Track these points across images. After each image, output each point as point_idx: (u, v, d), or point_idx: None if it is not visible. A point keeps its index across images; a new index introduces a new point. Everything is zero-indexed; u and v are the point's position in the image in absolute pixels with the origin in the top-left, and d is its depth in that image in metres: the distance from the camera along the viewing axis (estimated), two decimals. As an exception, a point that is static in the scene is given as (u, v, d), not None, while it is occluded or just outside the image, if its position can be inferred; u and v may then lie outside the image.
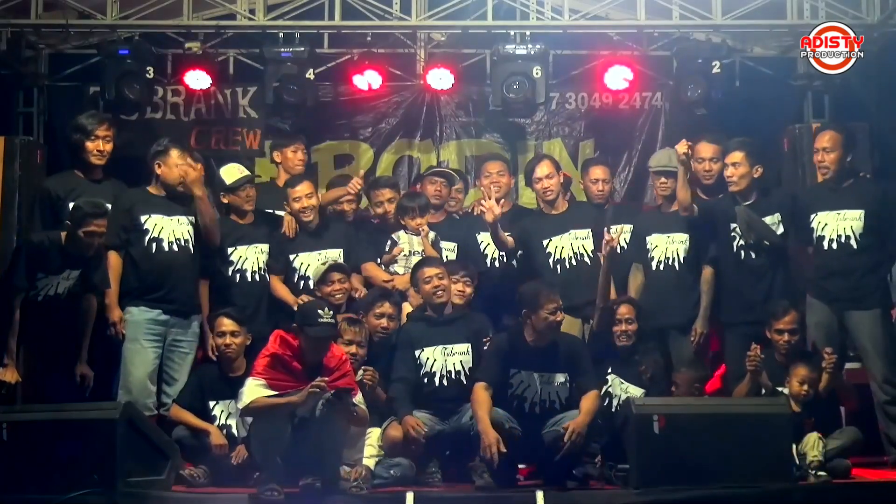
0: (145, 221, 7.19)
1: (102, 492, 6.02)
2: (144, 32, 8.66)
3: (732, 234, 7.54)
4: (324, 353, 6.38)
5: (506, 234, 7.61)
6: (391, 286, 7.62)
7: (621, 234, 7.61)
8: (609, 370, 7.17)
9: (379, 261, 7.84)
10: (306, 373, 6.30)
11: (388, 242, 7.87)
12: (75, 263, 6.97)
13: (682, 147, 7.52)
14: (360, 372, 6.86)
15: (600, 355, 7.13)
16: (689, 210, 7.56)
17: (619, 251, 7.76)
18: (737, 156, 7.51)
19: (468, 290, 7.42)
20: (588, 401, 6.63)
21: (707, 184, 7.78)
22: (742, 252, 7.52)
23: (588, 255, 7.64)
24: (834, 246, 7.35)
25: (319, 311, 6.38)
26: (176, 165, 7.17)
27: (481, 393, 6.59)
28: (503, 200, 7.81)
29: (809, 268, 7.54)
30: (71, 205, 7.26)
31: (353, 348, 6.85)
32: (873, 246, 7.34)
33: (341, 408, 6.32)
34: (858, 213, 7.31)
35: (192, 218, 7.32)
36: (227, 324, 7.06)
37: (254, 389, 6.23)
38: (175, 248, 7.24)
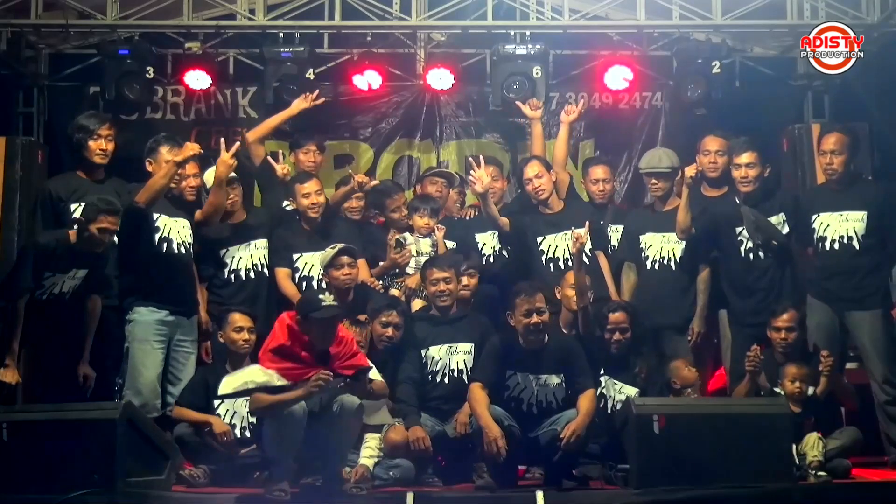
0: (157, 219, 7.16)
1: (102, 492, 6.00)
2: (144, 32, 8.68)
3: (739, 237, 7.53)
4: (331, 339, 6.29)
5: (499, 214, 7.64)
6: (403, 287, 7.63)
7: (587, 232, 7.44)
8: (602, 372, 7.14)
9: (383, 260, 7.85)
10: (314, 360, 6.24)
11: (394, 244, 7.87)
12: (83, 262, 6.95)
13: (690, 171, 7.52)
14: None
15: (591, 357, 7.03)
16: (687, 233, 7.55)
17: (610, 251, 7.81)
18: (751, 156, 7.48)
19: (473, 281, 7.43)
20: (585, 400, 6.61)
21: (712, 177, 7.76)
22: (751, 254, 7.52)
23: (586, 254, 7.60)
24: (836, 247, 7.35)
25: (321, 297, 6.39)
26: (165, 162, 7.08)
27: (478, 392, 6.59)
28: (492, 168, 7.83)
29: (810, 269, 7.55)
30: (74, 206, 7.27)
31: None
32: (875, 247, 7.35)
33: (359, 388, 6.29)
34: (861, 215, 7.31)
35: (189, 220, 7.32)
36: (242, 319, 7.06)
37: (254, 372, 6.18)
38: (182, 249, 7.23)
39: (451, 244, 7.92)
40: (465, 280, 7.39)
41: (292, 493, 6.18)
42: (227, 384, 6.34)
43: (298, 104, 8.17)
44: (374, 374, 6.49)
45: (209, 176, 7.72)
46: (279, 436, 6.17)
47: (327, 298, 6.39)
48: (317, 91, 8.26)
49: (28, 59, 9.04)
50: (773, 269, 7.49)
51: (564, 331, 7.24)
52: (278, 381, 6.16)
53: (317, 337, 6.28)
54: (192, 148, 7.05)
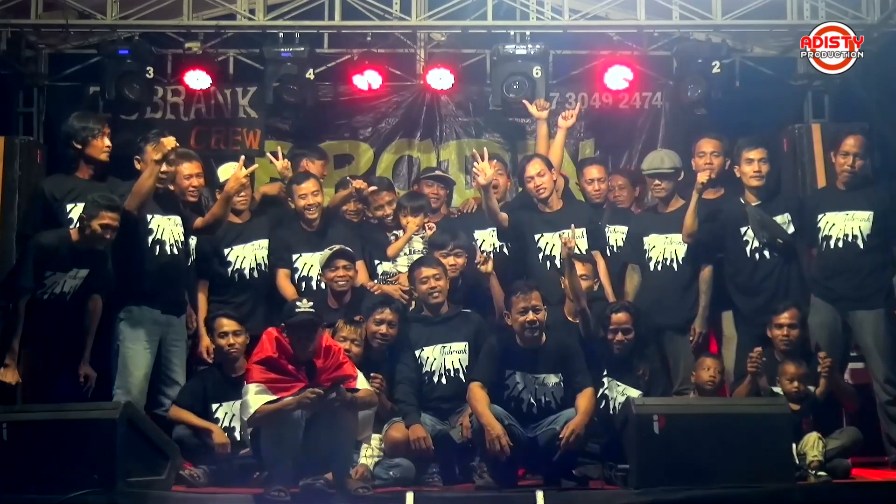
0: (150, 221, 7.14)
1: (102, 492, 6.01)
2: (144, 32, 8.68)
3: (745, 238, 7.55)
4: (309, 345, 6.30)
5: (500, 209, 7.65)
6: (395, 285, 7.65)
7: (576, 236, 7.43)
8: (605, 373, 7.13)
9: (379, 259, 7.85)
10: (300, 370, 6.28)
11: (392, 240, 7.90)
12: (84, 262, 6.95)
13: (702, 177, 7.52)
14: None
15: (594, 358, 7.05)
16: (693, 237, 7.57)
17: (612, 251, 7.84)
18: (763, 151, 7.54)
19: (460, 261, 7.47)
20: (584, 399, 6.62)
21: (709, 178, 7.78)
22: (757, 254, 7.53)
23: (582, 254, 7.62)
24: (840, 245, 7.37)
25: (297, 303, 6.39)
26: (152, 161, 6.99)
27: (478, 391, 6.59)
28: (494, 162, 7.81)
29: (813, 268, 7.56)
30: (69, 205, 7.27)
31: (346, 345, 6.84)
32: (880, 247, 7.37)
33: (337, 398, 6.25)
34: (867, 215, 7.34)
35: (181, 217, 7.29)
36: (227, 324, 7.08)
37: (257, 398, 6.20)
38: (175, 250, 7.21)
39: None
40: (451, 260, 7.40)
41: (292, 494, 6.19)
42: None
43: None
44: (360, 383, 6.46)
45: (222, 172, 7.71)
46: (278, 439, 6.19)
47: (304, 305, 6.36)
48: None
49: (28, 59, 9.03)
50: (779, 269, 7.51)
51: (570, 318, 7.22)
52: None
53: (296, 344, 6.29)
54: (168, 143, 6.92)
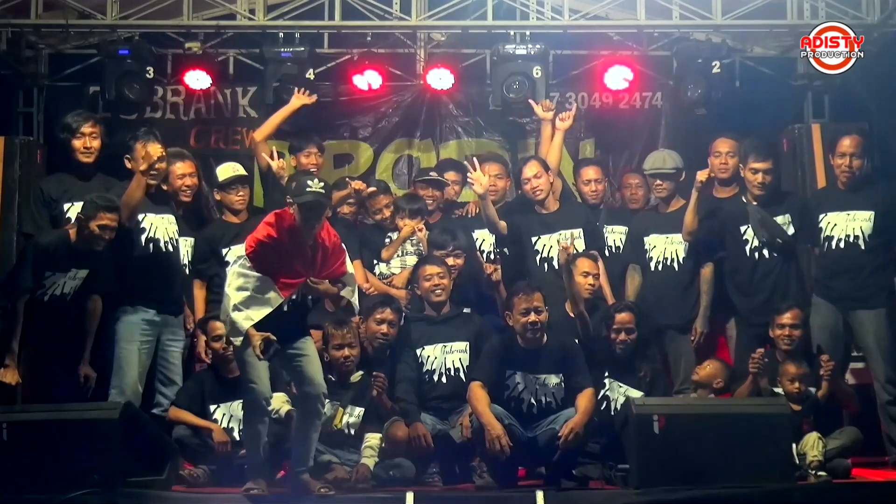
0: (143, 220, 7.14)
1: (102, 492, 6.02)
2: (144, 32, 8.67)
3: (745, 237, 7.55)
4: (316, 225, 6.18)
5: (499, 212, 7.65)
6: (388, 282, 7.67)
7: (574, 237, 7.54)
8: (606, 374, 7.14)
9: (377, 260, 7.87)
10: (299, 252, 6.20)
11: (387, 242, 7.91)
12: (83, 262, 6.94)
13: (702, 175, 7.53)
14: (359, 374, 6.87)
15: (596, 358, 7.06)
16: (693, 235, 7.58)
17: (612, 252, 7.87)
18: (768, 163, 7.54)
19: (459, 262, 7.47)
20: (584, 399, 6.62)
21: (723, 177, 7.79)
22: (756, 254, 7.54)
23: (587, 250, 7.62)
24: (842, 245, 7.38)
25: (308, 182, 6.19)
26: (141, 158, 6.98)
27: (478, 391, 6.60)
28: (488, 165, 7.84)
29: (815, 268, 7.56)
30: (66, 205, 7.30)
31: (344, 351, 6.85)
32: (881, 246, 7.38)
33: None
34: (868, 214, 7.35)
35: (173, 215, 7.30)
36: (220, 327, 7.04)
37: (245, 322, 6.13)
38: (170, 247, 7.22)
39: None
40: (450, 261, 7.41)
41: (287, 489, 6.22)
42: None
43: (299, 99, 8.14)
44: (347, 291, 6.45)
45: (220, 171, 7.73)
46: (248, 431, 6.28)
47: (315, 185, 6.18)
48: (306, 91, 8.21)
49: (28, 59, 9.03)
50: (778, 269, 7.52)
51: (571, 315, 7.22)
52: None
53: (304, 224, 6.15)
54: (154, 152, 6.92)
